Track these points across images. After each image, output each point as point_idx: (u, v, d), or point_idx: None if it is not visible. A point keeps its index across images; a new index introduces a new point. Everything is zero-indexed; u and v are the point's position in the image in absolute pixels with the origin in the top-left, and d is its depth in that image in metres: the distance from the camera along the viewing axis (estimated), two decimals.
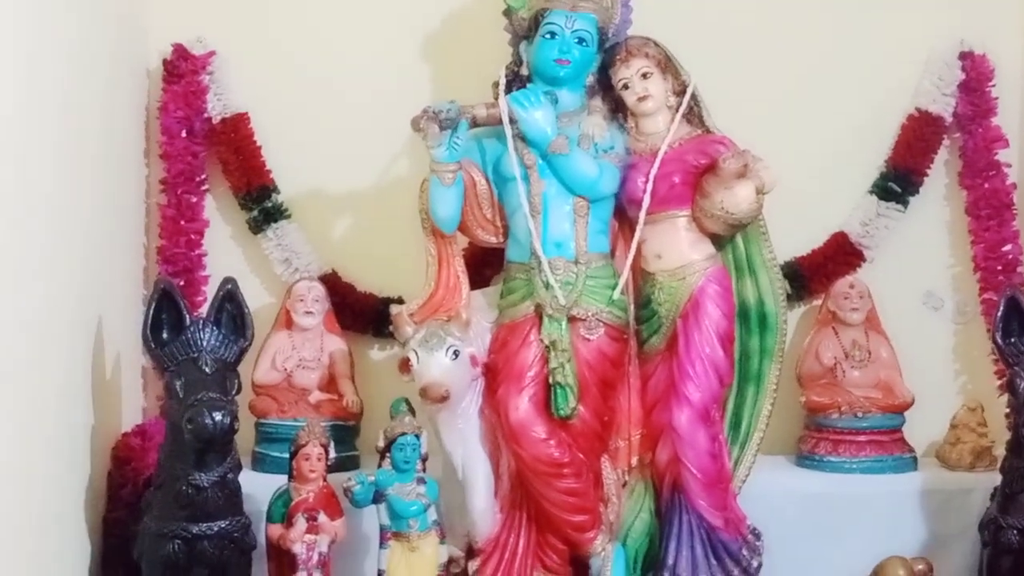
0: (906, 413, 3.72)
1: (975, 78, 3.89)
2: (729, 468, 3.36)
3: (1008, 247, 3.85)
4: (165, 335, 3.08)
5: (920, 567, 3.29)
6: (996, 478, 3.36)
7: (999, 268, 3.84)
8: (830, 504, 3.56)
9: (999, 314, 3.29)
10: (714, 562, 3.28)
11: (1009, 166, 3.89)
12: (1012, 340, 3.27)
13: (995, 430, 3.61)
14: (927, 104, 3.89)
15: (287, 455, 3.24)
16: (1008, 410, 3.31)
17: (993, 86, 3.90)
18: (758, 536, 3.37)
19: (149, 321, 3.08)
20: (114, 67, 3.53)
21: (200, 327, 3.07)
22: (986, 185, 3.88)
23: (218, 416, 2.95)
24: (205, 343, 3.05)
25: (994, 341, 3.30)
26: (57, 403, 2.96)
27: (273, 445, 3.53)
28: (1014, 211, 3.87)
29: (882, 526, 3.52)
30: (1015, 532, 3.20)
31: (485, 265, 3.55)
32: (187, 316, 3.08)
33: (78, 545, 3.12)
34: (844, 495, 3.57)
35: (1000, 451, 3.41)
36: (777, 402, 3.46)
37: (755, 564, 3.32)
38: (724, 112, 3.41)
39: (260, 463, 3.56)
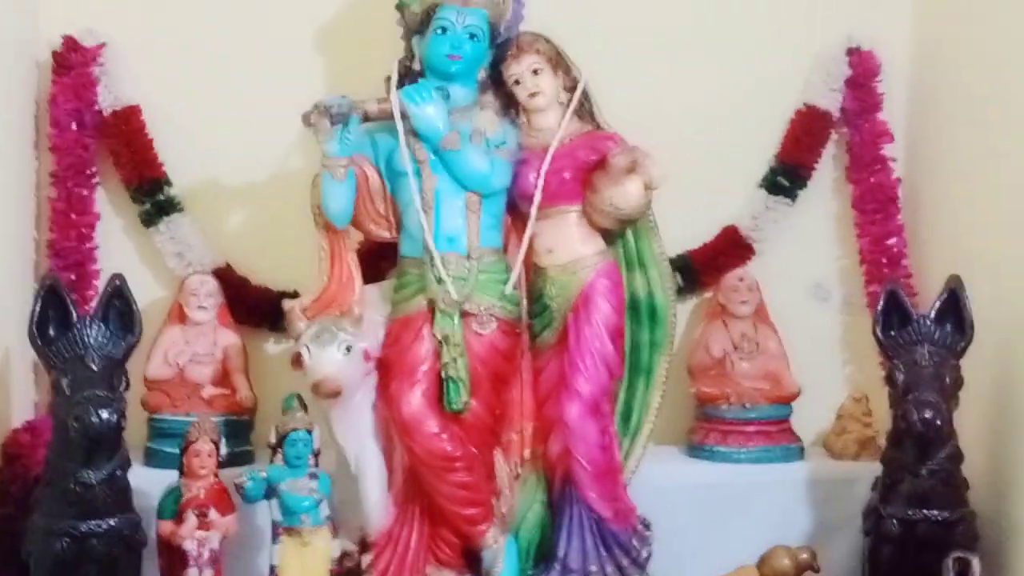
0: (793, 404, 3.78)
1: (862, 74, 3.95)
2: (619, 460, 3.40)
3: (893, 240, 3.92)
4: (52, 332, 3.05)
5: (804, 556, 3.32)
6: (880, 468, 3.42)
7: (884, 261, 3.91)
8: (719, 494, 3.61)
9: (880, 308, 3.36)
10: (604, 553, 3.32)
11: (894, 161, 3.96)
12: (892, 333, 3.33)
13: (880, 420, 3.67)
14: (815, 99, 3.94)
15: (179, 452, 3.22)
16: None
17: (880, 82, 3.96)
18: (647, 526, 3.41)
19: (35, 318, 3.05)
20: (2, 59, 3.49)
21: (87, 324, 3.04)
22: (872, 179, 3.94)
23: (105, 414, 2.94)
24: (92, 340, 3.03)
25: (875, 334, 3.36)
26: None
27: (166, 440, 3.51)
28: (899, 205, 3.94)
29: (769, 515, 3.59)
30: (895, 521, 3.26)
31: (380, 258, 3.54)
32: (74, 313, 3.06)
33: None
34: (733, 485, 3.63)
35: (884, 441, 3.48)
36: (668, 393, 3.51)
37: (644, 554, 3.37)
38: (614, 108, 3.44)
39: (153, 459, 3.54)
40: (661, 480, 3.55)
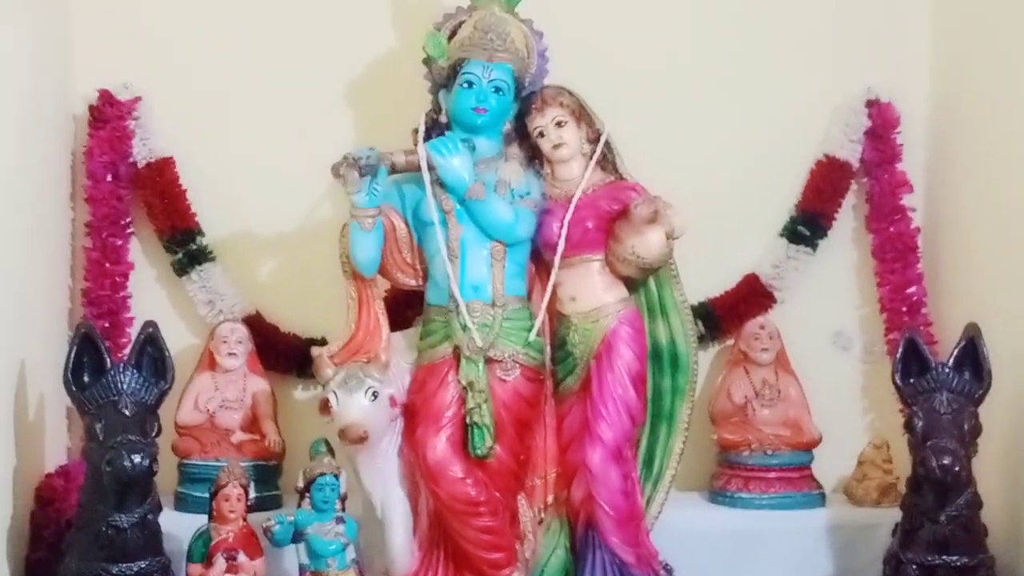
0: (815, 450, 3.82)
1: (881, 125, 4.01)
2: (641, 505, 3.44)
3: (913, 288, 3.97)
4: (86, 378, 3.13)
5: None
6: (900, 514, 3.43)
7: (904, 309, 3.95)
8: (741, 539, 3.65)
9: (898, 355, 3.40)
10: None
11: (913, 210, 4.02)
12: (911, 380, 3.36)
13: (901, 467, 3.68)
14: (835, 150, 4.01)
15: (208, 496, 3.28)
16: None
17: (898, 133, 4.03)
18: (670, 572, 3.44)
19: (70, 364, 3.13)
20: (40, 112, 3.59)
21: (120, 370, 3.11)
22: (891, 229, 4.00)
23: (137, 458, 3.00)
24: (125, 386, 3.10)
25: (894, 382, 3.40)
26: None
27: (195, 485, 3.57)
28: (918, 254, 3.99)
29: (791, 561, 3.63)
30: (915, 567, 3.29)
31: (407, 306, 3.61)
32: (108, 359, 3.13)
33: None
34: (754, 530, 3.67)
35: (905, 488, 3.50)
36: (691, 440, 3.54)
37: None
38: (637, 159, 3.50)
39: (183, 503, 3.60)
40: (683, 526, 3.58)
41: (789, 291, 4.01)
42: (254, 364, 3.79)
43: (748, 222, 4.03)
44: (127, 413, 3.07)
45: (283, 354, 3.88)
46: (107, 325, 3.72)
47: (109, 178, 3.80)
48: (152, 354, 3.19)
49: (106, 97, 3.84)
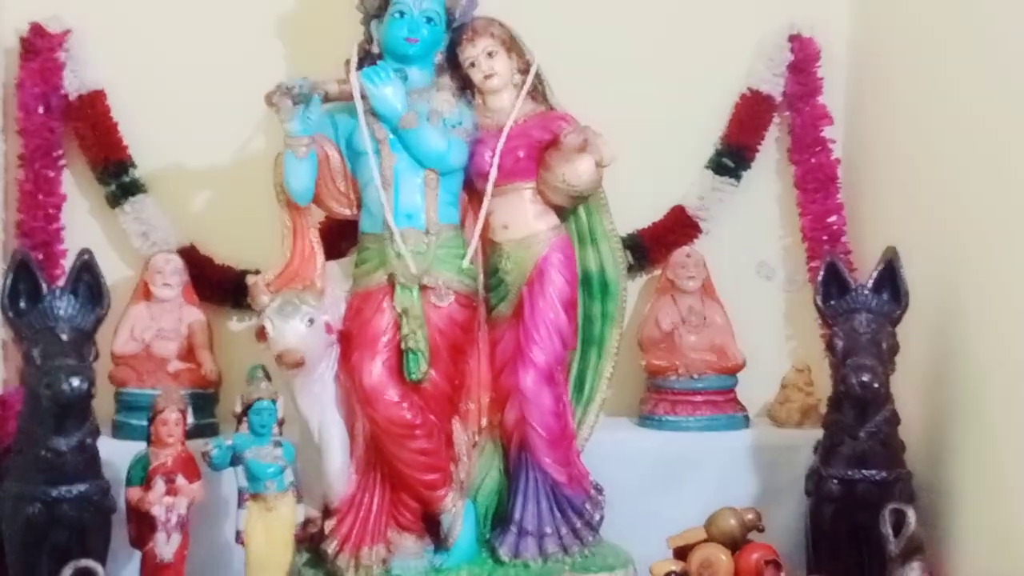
0: (739, 375, 3.92)
1: (803, 59, 4.10)
2: (573, 427, 3.50)
3: (833, 218, 4.07)
4: (23, 304, 3.15)
5: (749, 516, 3.43)
6: (822, 434, 3.56)
7: (825, 238, 4.04)
8: (668, 460, 3.76)
9: (820, 278, 3.50)
10: (559, 515, 3.42)
11: (834, 142, 4.12)
12: (832, 302, 3.46)
13: (822, 390, 3.80)
14: (758, 84, 4.10)
15: (146, 423, 3.31)
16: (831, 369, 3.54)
17: (819, 67, 4.12)
18: (600, 491, 3.51)
19: (6, 291, 3.15)
20: None
21: (57, 296, 3.14)
22: (813, 160, 4.09)
23: (75, 381, 3.04)
24: (62, 312, 3.13)
25: (815, 304, 3.51)
26: None
27: (132, 413, 3.61)
28: (838, 185, 4.09)
29: (716, 480, 3.72)
30: (835, 482, 3.40)
31: (341, 238, 3.63)
32: (44, 286, 3.15)
33: None
34: (681, 452, 3.77)
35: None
36: (620, 367, 3.61)
37: (597, 517, 3.47)
38: (566, 90, 3.55)
39: (120, 431, 3.63)
40: (613, 448, 3.66)
41: (714, 222, 4.10)
42: (189, 295, 3.82)
43: (674, 155, 4.10)
44: (64, 338, 3.10)
45: (217, 285, 3.91)
46: (41, 257, 3.70)
47: (41, 110, 3.80)
48: (88, 281, 3.21)
49: (37, 30, 3.83)
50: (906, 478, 3.43)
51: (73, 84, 3.85)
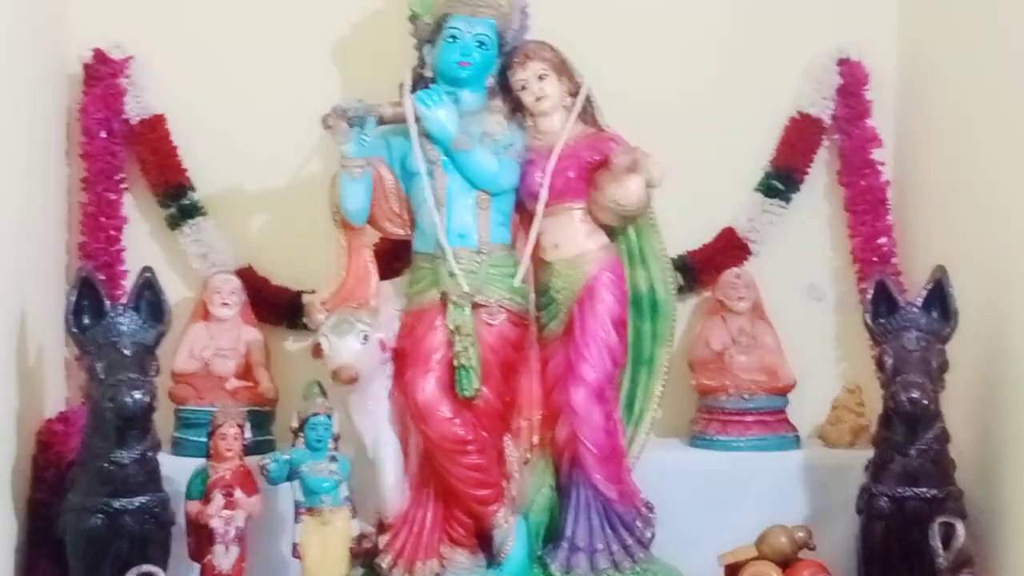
0: (790, 396, 3.93)
1: (851, 83, 4.12)
2: (623, 444, 3.54)
3: (883, 240, 4.08)
4: (87, 320, 3.23)
5: (800, 535, 3.43)
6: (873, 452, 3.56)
7: (875, 260, 4.05)
8: (719, 479, 3.75)
9: (869, 297, 3.51)
10: (610, 532, 3.46)
11: (883, 164, 4.13)
12: (881, 321, 3.47)
13: (872, 410, 3.78)
14: (807, 107, 4.12)
15: (205, 439, 3.37)
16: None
17: (868, 90, 4.14)
18: (651, 509, 3.55)
19: (71, 307, 3.23)
20: (36, 72, 3.67)
21: (120, 312, 3.23)
22: (862, 182, 4.11)
23: (138, 395, 3.12)
24: (124, 327, 3.21)
25: (865, 322, 3.51)
26: None
27: (191, 430, 3.67)
28: (888, 206, 4.11)
29: (767, 500, 3.71)
30: (886, 499, 3.40)
31: (394, 259, 3.70)
32: (107, 302, 3.24)
33: (4, 525, 3.23)
34: (732, 472, 3.77)
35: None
36: (670, 388, 3.66)
37: (648, 534, 3.51)
38: (617, 113, 3.61)
39: (179, 448, 3.69)
40: (664, 467, 3.69)
41: (764, 244, 4.12)
42: (247, 315, 3.88)
43: (724, 177, 4.13)
44: (127, 352, 3.18)
45: (274, 306, 3.98)
46: (103, 278, 3.75)
47: (103, 135, 3.90)
48: (149, 298, 3.30)
49: (100, 56, 3.93)
50: (956, 496, 3.42)
51: (134, 109, 3.94)
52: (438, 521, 3.46)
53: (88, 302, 3.25)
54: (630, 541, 3.48)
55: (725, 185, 4.14)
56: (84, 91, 3.93)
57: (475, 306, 3.42)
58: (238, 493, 3.29)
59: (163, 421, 3.50)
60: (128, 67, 3.95)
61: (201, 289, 3.89)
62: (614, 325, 3.50)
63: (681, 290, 3.90)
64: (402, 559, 3.42)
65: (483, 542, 3.48)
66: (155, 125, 3.95)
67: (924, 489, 3.38)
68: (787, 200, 4.12)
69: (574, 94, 3.58)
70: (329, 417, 3.37)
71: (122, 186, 3.95)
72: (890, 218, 4.11)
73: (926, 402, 3.32)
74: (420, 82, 3.54)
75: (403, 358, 3.45)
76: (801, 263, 4.18)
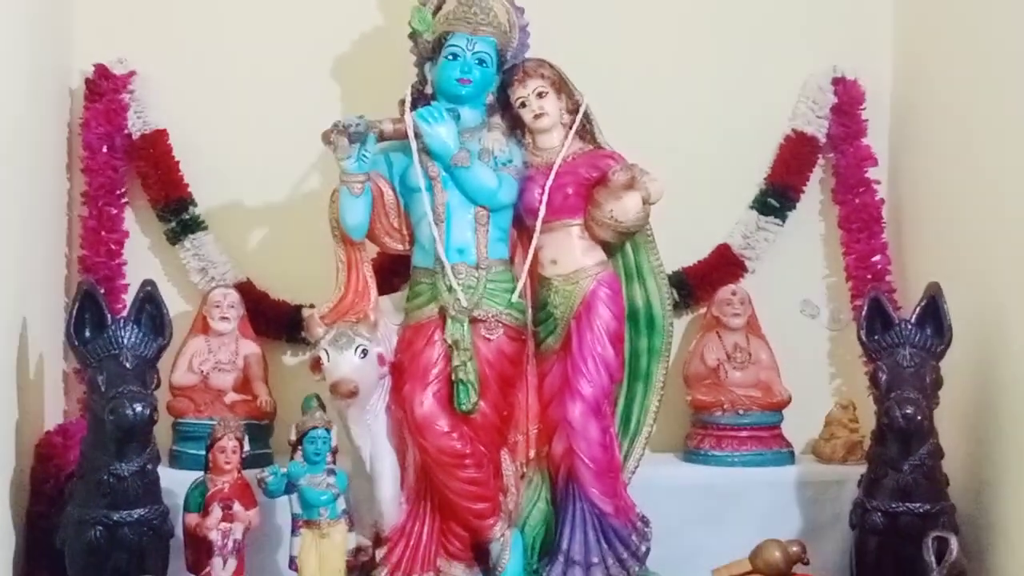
0: (784, 411, 3.95)
1: (847, 102, 4.16)
2: (619, 459, 3.56)
3: (877, 257, 4.11)
4: (88, 333, 3.25)
5: (794, 549, 3.46)
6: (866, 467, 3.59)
7: (869, 277, 4.09)
8: (714, 494, 3.78)
9: (863, 314, 3.55)
10: (605, 546, 3.48)
11: (878, 183, 4.17)
12: (876, 337, 3.51)
13: (866, 426, 3.80)
14: (803, 126, 4.16)
15: (203, 452, 3.38)
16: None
17: (863, 109, 4.18)
18: (647, 523, 3.56)
19: (73, 320, 3.25)
20: (38, 86, 3.68)
21: (121, 325, 3.24)
22: (857, 200, 4.14)
23: (138, 407, 3.14)
24: (125, 340, 3.23)
25: (859, 339, 3.55)
26: None
27: (190, 443, 3.67)
28: (882, 224, 4.14)
29: (761, 515, 3.73)
30: (879, 514, 3.43)
31: (394, 274, 3.74)
32: (108, 315, 3.26)
33: (3, 537, 3.24)
34: (726, 486, 3.80)
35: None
36: (666, 404, 3.68)
37: (643, 548, 3.53)
38: (615, 130, 3.64)
39: (178, 460, 3.70)
40: (659, 482, 3.71)
41: (759, 261, 4.15)
42: (245, 329, 3.89)
43: (720, 195, 4.17)
44: (128, 365, 3.20)
45: (273, 319, 4.00)
46: (103, 291, 3.76)
47: (105, 149, 3.92)
48: (150, 311, 3.32)
49: (102, 71, 3.96)
50: (949, 511, 3.45)
51: (136, 124, 3.96)
52: (435, 534, 3.47)
53: (89, 315, 3.27)
54: (625, 555, 3.50)
55: (721, 202, 4.17)
56: (86, 106, 3.95)
57: (473, 321, 3.44)
58: (236, 506, 3.30)
59: (162, 434, 3.51)
60: (130, 82, 3.97)
61: (200, 303, 3.91)
62: (611, 340, 3.52)
63: (677, 306, 3.95)
64: (399, 572, 3.43)
65: (479, 555, 3.50)
66: (156, 140, 3.98)
67: (917, 504, 3.41)
68: (782, 218, 4.15)
69: (573, 111, 3.60)
70: (327, 430, 3.39)
71: (123, 201, 3.97)
72: (884, 236, 4.14)
73: (920, 418, 3.35)
74: (420, 100, 3.57)
75: (401, 372, 3.46)
76: (796, 280, 4.21)
